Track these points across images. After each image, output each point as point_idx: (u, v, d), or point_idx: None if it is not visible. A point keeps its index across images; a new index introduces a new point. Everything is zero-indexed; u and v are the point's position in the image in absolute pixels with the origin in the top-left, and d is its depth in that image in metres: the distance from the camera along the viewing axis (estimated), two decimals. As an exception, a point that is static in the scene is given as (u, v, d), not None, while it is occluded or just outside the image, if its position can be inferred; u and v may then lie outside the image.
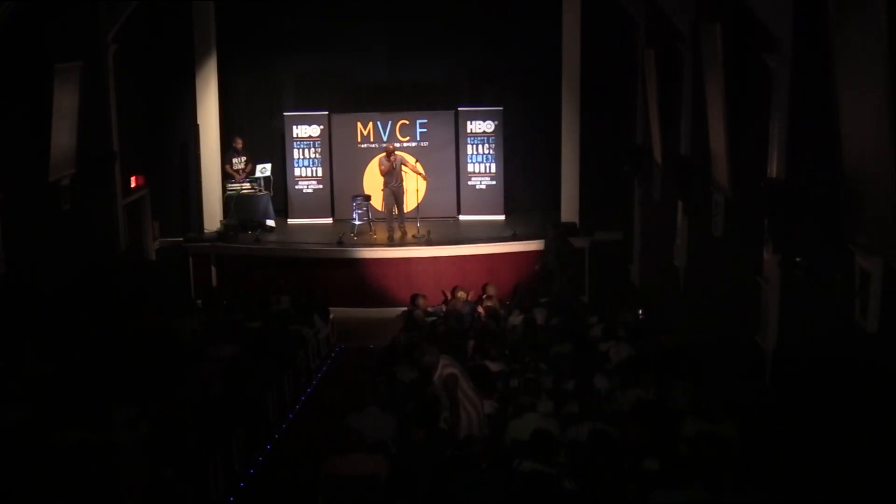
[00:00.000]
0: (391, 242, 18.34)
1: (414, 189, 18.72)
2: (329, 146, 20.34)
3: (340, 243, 18.18)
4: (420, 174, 18.80)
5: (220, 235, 18.76)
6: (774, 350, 9.81)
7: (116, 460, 8.75)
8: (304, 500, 9.66)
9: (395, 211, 18.61)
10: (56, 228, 14.61)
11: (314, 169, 20.43)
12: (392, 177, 18.39)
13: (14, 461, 8.73)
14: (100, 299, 14.64)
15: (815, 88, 8.58)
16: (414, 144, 20.00)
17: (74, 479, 8.23)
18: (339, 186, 20.33)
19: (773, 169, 9.64)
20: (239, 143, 19.47)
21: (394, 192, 18.51)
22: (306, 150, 20.37)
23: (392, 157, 18.40)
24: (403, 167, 18.48)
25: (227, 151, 19.44)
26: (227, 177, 19.38)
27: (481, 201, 20.26)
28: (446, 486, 8.25)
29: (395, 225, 18.62)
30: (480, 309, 14.25)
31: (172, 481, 8.72)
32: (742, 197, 10.95)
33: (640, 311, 14.39)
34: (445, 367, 9.90)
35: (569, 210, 18.87)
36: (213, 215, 19.41)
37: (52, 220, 14.55)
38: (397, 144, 19.40)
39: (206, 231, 19.19)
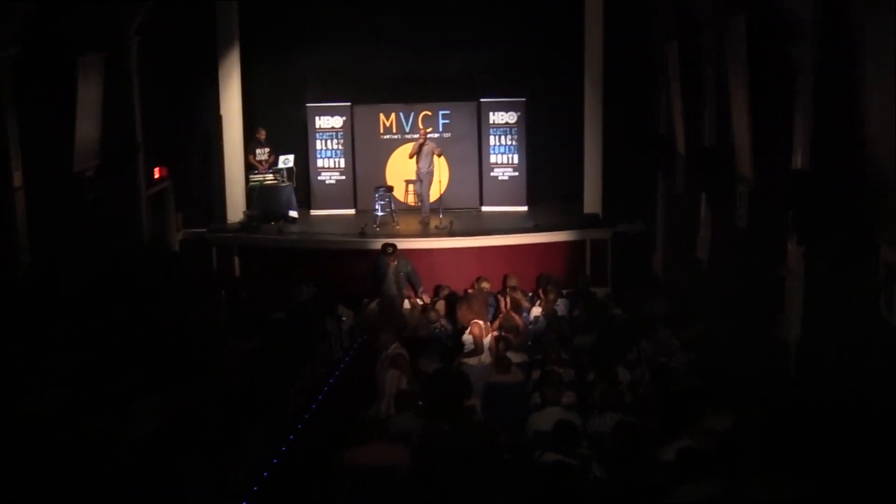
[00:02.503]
0: (416, 233, 18.35)
1: (437, 180, 18.71)
2: (352, 137, 20.35)
3: (363, 234, 18.19)
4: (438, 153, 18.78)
5: (242, 226, 18.80)
6: (798, 342, 9.77)
7: (139, 449, 8.82)
8: (325, 491, 9.69)
9: (422, 201, 18.69)
10: (80, 219, 14.67)
11: (337, 160, 20.45)
12: (423, 163, 18.44)
13: (39, 449, 8.80)
14: (123, 290, 14.71)
15: (840, 79, 8.53)
16: (436, 135, 19.96)
17: (99, 467, 8.29)
18: (362, 177, 20.34)
19: (798, 160, 9.59)
20: (262, 134, 19.50)
21: (423, 178, 18.55)
22: (329, 141, 20.39)
23: (424, 142, 18.43)
24: (434, 154, 18.52)
25: (250, 142, 19.47)
26: (250, 168, 19.42)
27: (503, 192, 20.22)
28: (468, 477, 8.27)
29: (426, 213, 18.71)
30: (502, 299, 14.25)
31: (194, 471, 8.76)
32: (766, 188, 10.90)
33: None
34: (397, 349, 10.89)
35: (591, 201, 18.81)
36: (235, 206, 19.44)
37: (76, 210, 14.61)
38: (417, 135, 19.35)
39: (229, 222, 19.22)
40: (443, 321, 14.27)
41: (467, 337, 12.41)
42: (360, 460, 8.70)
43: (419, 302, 15.89)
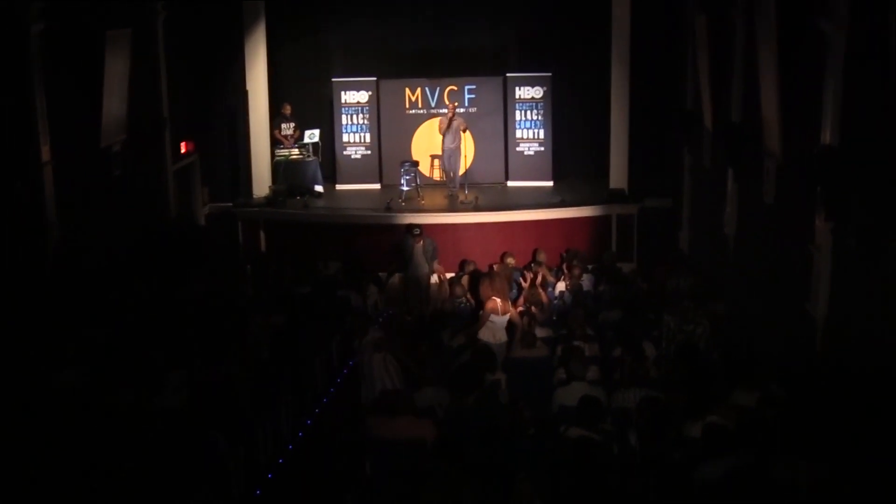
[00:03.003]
0: (442, 208, 18.34)
1: (463, 154, 18.67)
2: (377, 112, 20.34)
3: (388, 209, 18.20)
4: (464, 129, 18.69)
5: (268, 201, 18.85)
6: (825, 319, 9.72)
7: (167, 423, 8.89)
8: (352, 464, 9.75)
9: (452, 174, 18.64)
10: (107, 194, 14.75)
11: (362, 135, 20.44)
12: (448, 138, 18.41)
13: (67, 423, 8.88)
14: (149, 264, 14.79)
15: (870, 53, 8.44)
16: (462, 110, 19.91)
17: (127, 441, 8.36)
18: (388, 152, 20.34)
19: (827, 135, 9.51)
20: (287, 109, 19.52)
21: (450, 154, 18.52)
22: (354, 116, 20.38)
23: (453, 117, 18.40)
24: (462, 131, 18.47)
25: (275, 117, 19.49)
26: (275, 143, 19.46)
27: (529, 167, 20.17)
28: (493, 451, 8.29)
29: (449, 188, 18.67)
30: (528, 275, 14.25)
31: (221, 445, 8.82)
32: (794, 164, 10.82)
33: None
34: (375, 333, 11.46)
35: (618, 176, 18.73)
36: (261, 181, 19.49)
37: (104, 185, 14.69)
38: (444, 110, 19.30)
39: (254, 197, 19.27)
40: (468, 296, 14.29)
41: (484, 314, 12.40)
42: (387, 434, 8.75)
43: (443, 277, 15.90)
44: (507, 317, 12.24)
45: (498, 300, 12.23)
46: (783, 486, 7.15)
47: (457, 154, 18.58)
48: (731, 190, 14.03)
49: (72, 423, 8.86)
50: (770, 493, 6.97)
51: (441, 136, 18.62)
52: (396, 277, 16.52)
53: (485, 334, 11.96)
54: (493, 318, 12.11)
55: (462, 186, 18.72)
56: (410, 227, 16.29)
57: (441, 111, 19.34)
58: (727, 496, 7.01)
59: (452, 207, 18.32)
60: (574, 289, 14.42)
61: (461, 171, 18.83)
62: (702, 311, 11.77)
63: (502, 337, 12.09)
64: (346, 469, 9.64)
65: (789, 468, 7.37)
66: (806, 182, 9.83)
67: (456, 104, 19.25)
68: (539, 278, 13.94)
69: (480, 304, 13.45)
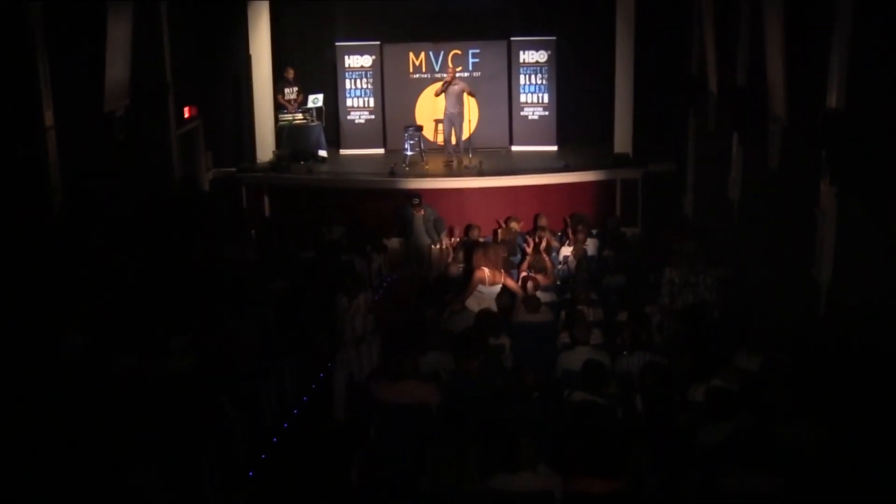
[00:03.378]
0: (445, 172, 18.31)
1: (467, 119, 18.59)
2: (381, 76, 20.28)
3: (393, 174, 18.17)
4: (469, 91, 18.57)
5: (272, 166, 18.84)
6: (829, 284, 9.71)
7: (171, 387, 8.93)
8: (356, 428, 9.80)
9: (453, 140, 18.56)
10: (111, 159, 14.74)
11: (366, 99, 20.40)
12: (450, 102, 18.32)
13: (73, 388, 8.93)
14: (154, 229, 14.80)
15: (879, 15, 8.38)
16: (466, 74, 19.86)
17: (132, 405, 8.41)
18: (392, 117, 20.30)
19: (833, 99, 9.45)
20: (290, 74, 19.47)
21: (451, 119, 18.45)
22: (358, 81, 20.32)
23: (452, 81, 18.30)
24: (466, 94, 18.36)
25: (278, 82, 19.43)
26: (279, 107, 19.41)
27: (534, 132, 20.13)
28: (497, 415, 8.33)
29: (452, 154, 18.61)
30: (532, 239, 14.23)
31: (227, 409, 8.88)
32: (799, 128, 10.77)
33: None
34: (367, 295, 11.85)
35: (622, 141, 18.69)
36: (265, 146, 19.47)
37: (107, 150, 14.67)
38: (447, 74, 19.20)
39: (258, 161, 19.26)
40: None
41: (472, 283, 12.28)
42: (391, 398, 8.78)
43: (445, 245, 15.90)
44: (496, 287, 12.04)
45: (486, 270, 12.04)
46: (786, 447, 7.19)
47: (458, 119, 18.49)
48: (736, 154, 13.97)
49: (77, 387, 8.92)
50: (772, 454, 7.00)
51: (442, 100, 18.53)
52: (397, 242, 16.55)
53: (471, 304, 11.85)
54: (480, 287, 12.01)
55: (466, 151, 18.66)
56: (410, 197, 16.33)
57: (445, 75, 19.24)
58: (729, 457, 7.05)
59: (456, 172, 18.28)
60: (578, 253, 14.42)
61: (465, 136, 18.75)
62: (709, 267, 11.71)
63: (491, 307, 11.94)
64: (350, 434, 9.69)
65: (792, 430, 7.40)
66: (811, 146, 9.79)
67: (458, 69, 19.16)
68: (543, 243, 13.91)
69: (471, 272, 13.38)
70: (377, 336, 11.59)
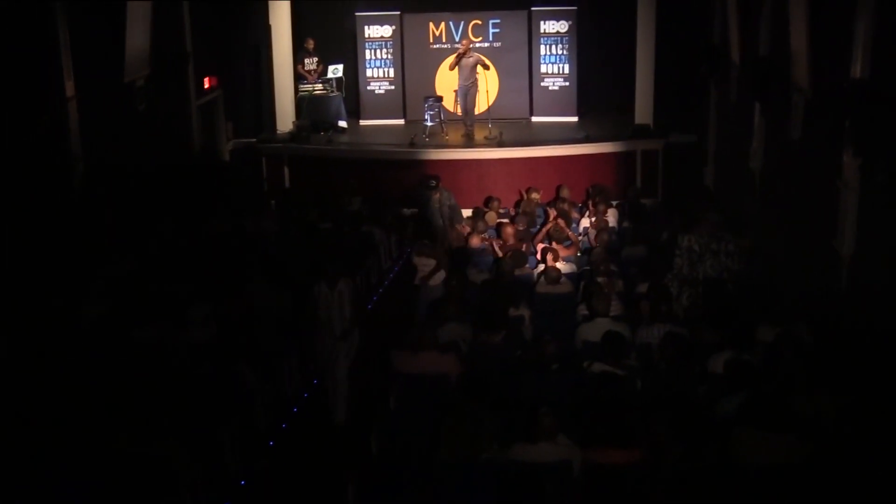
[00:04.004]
0: (466, 143, 18.26)
1: (485, 90, 18.49)
2: (401, 47, 20.20)
3: (412, 145, 18.13)
4: (484, 63, 18.44)
5: (292, 136, 18.81)
6: (851, 255, 9.66)
7: (192, 357, 8.98)
8: (376, 398, 9.84)
9: (467, 111, 18.48)
10: (131, 129, 14.77)
11: (386, 70, 20.33)
12: (462, 75, 18.23)
13: (94, 356, 8.99)
14: (174, 199, 14.84)
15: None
16: (486, 45, 19.75)
17: (152, 374, 8.46)
18: (411, 87, 20.23)
19: (857, 69, 9.37)
20: (310, 44, 19.41)
21: (464, 91, 18.37)
22: (378, 51, 20.25)
23: (465, 52, 18.19)
24: (480, 66, 18.23)
25: (299, 52, 19.39)
26: (299, 78, 19.36)
27: (554, 102, 20.03)
28: (516, 386, 8.34)
29: (465, 125, 18.54)
30: (552, 210, 14.20)
31: (247, 378, 8.92)
32: (822, 98, 10.68)
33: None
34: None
35: (643, 111, 18.56)
36: (285, 116, 19.44)
37: (128, 120, 14.70)
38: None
39: (278, 132, 19.24)
40: (492, 241, 14.04)
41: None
42: (410, 368, 8.80)
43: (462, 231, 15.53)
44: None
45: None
46: (806, 417, 7.18)
47: (472, 91, 18.37)
48: (758, 125, 13.89)
49: (97, 356, 8.97)
50: (786, 417, 6.99)
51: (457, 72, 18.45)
52: (409, 212, 16.41)
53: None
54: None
55: (486, 122, 18.58)
56: (426, 179, 16.06)
57: (468, 40, 19.09)
58: (743, 420, 7.05)
59: (476, 143, 18.22)
60: (598, 225, 14.38)
61: (483, 108, 18.65)
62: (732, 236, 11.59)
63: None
64: (370, 404, 9.73)
65: (812, 400, 7.39)
66: (835, 116, 9.71)
67: (478, 38, 19.02)
68: (552, 217, 13.89)
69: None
70: (355, 331, 10.28)
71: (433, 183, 15.80)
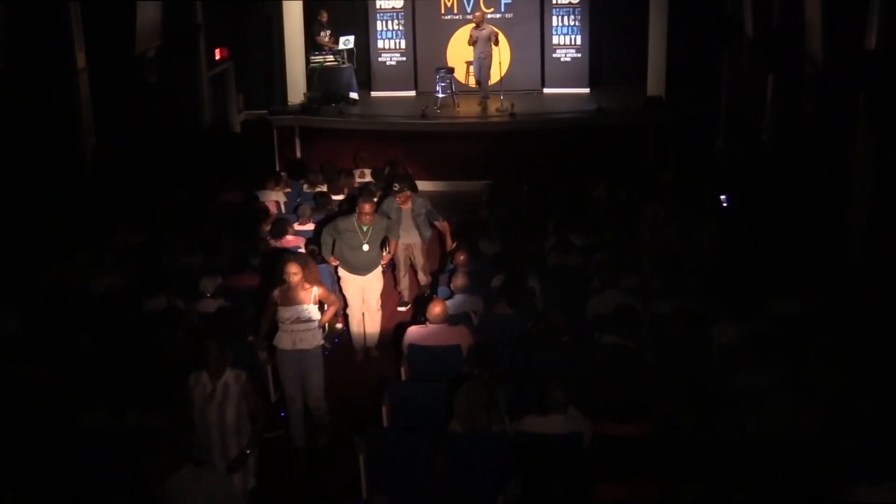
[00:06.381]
0: (477, 115, 18.20)
1: (497, 61, 18.42)
2: (413, 18, 20.11)
3: (424, 116, 18.08)
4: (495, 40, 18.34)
5: (303, 108, 18.78)
6: (864, 228, 9.63)
7: (201, 329, 9.00)
8: (389, 369, 9.87)
9: (481, 82, 18.43)
10: (142, 100, 14.77)
11: (397, 41, 20.25)
12: (477, 48, 18.16)
13: (105, 327, 9.02)
14: (185, 171, 14.85)
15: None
16: (498, 16, 19.68)
17: (163, 343, 8.49)
18: (423, 59, 20.15)
19: (871, 40, 9.30)
20: (324, 17, 19.33)
21: (479, 62, 18.30)
22: (390, 22, 20.17)
23: (480, 26, 18.10)
24: (495, 42, 18.13)
25: (312, 25, 19.31)
26: (317, 48, 19.24)
27: (566, 74, 19.94)
28: (527, 357, 8.35)
29: (480, 96, 18.48)
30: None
31: (257, 350, 8.93)
32: (837, 71, 10.62)
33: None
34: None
35: (655, 83, 18.50)
36: (296, 88, 19.41)
37: (139, 92, 14.70)
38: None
39: (289, 104, 19.22)
40: None
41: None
42: (424, 340, 8.80)
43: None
44: None
45: None
46: (818, 393, 7.16)
47: (486, 63, 18.32)
48: (771, 98, 13.82)
49: (107, 328, 9.00)
50: (804, 401, 6.98)
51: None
52: None
53: None
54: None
55: (497, 93, 18.52)
56: (391, 181, 12.89)
57: (482, 12, 18.99)
58: (760, 402, 7.05)
59: (487, 115, 18.17)
60: (610, 196, 14.34)
61: (496, 79, 18.60)
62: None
63: None
64: (383, 372, 9.77)
65: (824, 377, 7.37)
66: (849, 89, 9.65)
67: (485, 12, 18.91)
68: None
69: None
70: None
71: (397, 187, 11.97)
